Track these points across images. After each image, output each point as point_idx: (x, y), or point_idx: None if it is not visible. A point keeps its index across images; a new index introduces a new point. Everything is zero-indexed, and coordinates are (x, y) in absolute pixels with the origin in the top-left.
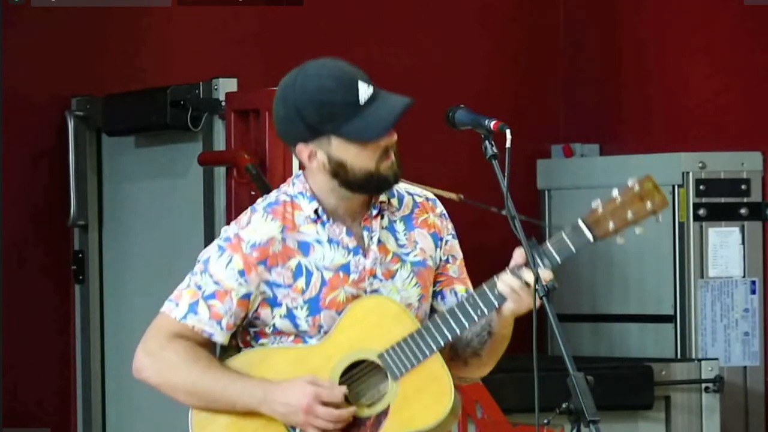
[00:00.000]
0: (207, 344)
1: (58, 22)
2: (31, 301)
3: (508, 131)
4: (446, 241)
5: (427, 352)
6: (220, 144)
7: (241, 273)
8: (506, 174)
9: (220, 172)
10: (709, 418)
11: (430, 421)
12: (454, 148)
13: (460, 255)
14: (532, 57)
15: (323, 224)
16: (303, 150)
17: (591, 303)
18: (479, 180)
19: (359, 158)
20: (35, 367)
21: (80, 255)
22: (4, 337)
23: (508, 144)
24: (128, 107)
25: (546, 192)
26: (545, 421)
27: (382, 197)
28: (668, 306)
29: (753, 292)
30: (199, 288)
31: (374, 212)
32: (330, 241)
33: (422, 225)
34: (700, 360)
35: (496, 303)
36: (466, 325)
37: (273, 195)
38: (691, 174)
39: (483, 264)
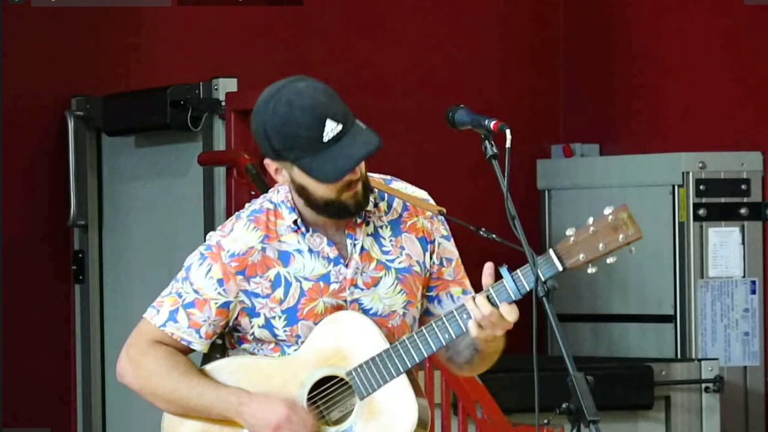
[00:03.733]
0: (187, 350)
1: (58, 22)
2: (31, 301)
3: (508, 131)
4: (438, 244)
5: (394, 374)
6: (220, 144)
7: (220, 282)
8: (506, 174)
9: (220, 172)
10: (709, 418)
11: None
12: (453, 148)
13: (455, 256)
14: (532, 57)
15: (303, 234)
16: (270, 164)
17: (591, 303)
18: (481, 179)
19: (320, 188)
20: (35, 367)
21: (80, 255)
22: (4, 337)
23: (508, 144)
24: (128, 107)
25: (546, 192)
26: (545, 421)
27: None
28: (668, 306)
29: (753, 292)
30: (180, 296)
31: (359, 220)
32: (310, 251)
33: (410, 229)
34: (700, 360)
35: (463, 328)
36: (434, 348)
37: (259, 201)
38: (691, 174)
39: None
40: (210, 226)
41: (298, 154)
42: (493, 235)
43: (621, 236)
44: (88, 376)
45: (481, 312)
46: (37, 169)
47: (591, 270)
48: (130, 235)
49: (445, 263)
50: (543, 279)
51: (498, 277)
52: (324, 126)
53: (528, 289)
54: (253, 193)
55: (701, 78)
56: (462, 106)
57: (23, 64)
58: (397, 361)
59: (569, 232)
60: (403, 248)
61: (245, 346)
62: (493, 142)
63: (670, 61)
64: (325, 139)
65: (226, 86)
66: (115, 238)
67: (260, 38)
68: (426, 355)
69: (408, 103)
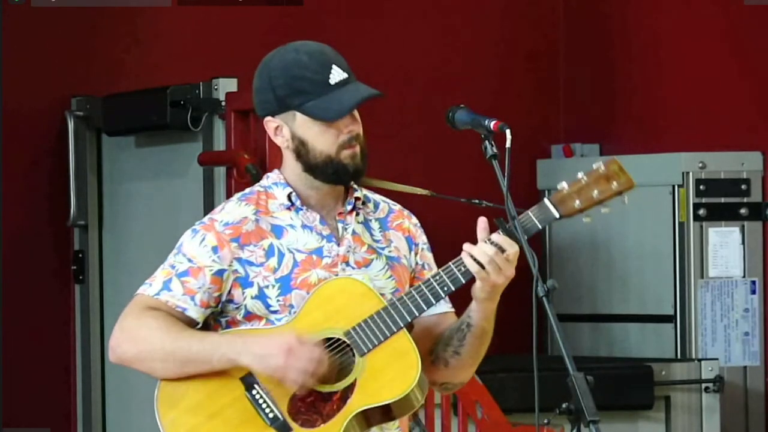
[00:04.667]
0: (183, 319)
1: (58, 22)
2: (31, 301)
3: (508, 131)
4: (422, 248)
5: (394, 328)
6: (220, 144)
7: (214, 249)
8: (506, 174)
9: (220, 172)
10: (709, 418)
11: (396, 394)
12: (453, 147)
13: (435, 267)
14: (532, 57)
15: (297, 211)
16: (270, 122)
17: (591, 303)
18: (484, 179)
19: (320, 139)
20: (35, 367)
21: (80, 255)
22: (4, 337)
23: (508, 144)
24: (128, 107)
25: (546, 192)
26: (545, 421)
27: (357, 193)
28: (668, 306)
29: (753, 292)
30: (173, 267)
31: (349, 207)
32: (304, 226)
33: (397, 228)
34: (700, 360)
35: (462, 279)
36: (434, 301)
37: (248, 188)
38: (691, 174)
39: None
40: None
41: (303, 98)
42: (485, 202)
43: (614, 184)
44: (88, 377)
45: (485, 253)
46: (37, 169)
47: (586, 219)
48: (130, 235)
49: (427, 267)
50: (540, 226)
51: (493, 230)
52: (330, 70)
53: (525, 236)
54: None
55: (701, 78)
56: (462, 106)
57: (23, 64)
58: (396, 316)
59: (560, 185)
60: (391, 241)
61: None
62: (493, 142)
63: (670, 61)
64: (331, 82)
65: (226, 86)
66: (115, 238)
67: (260, 38)
68: (426, 308)
69: (408, 103)
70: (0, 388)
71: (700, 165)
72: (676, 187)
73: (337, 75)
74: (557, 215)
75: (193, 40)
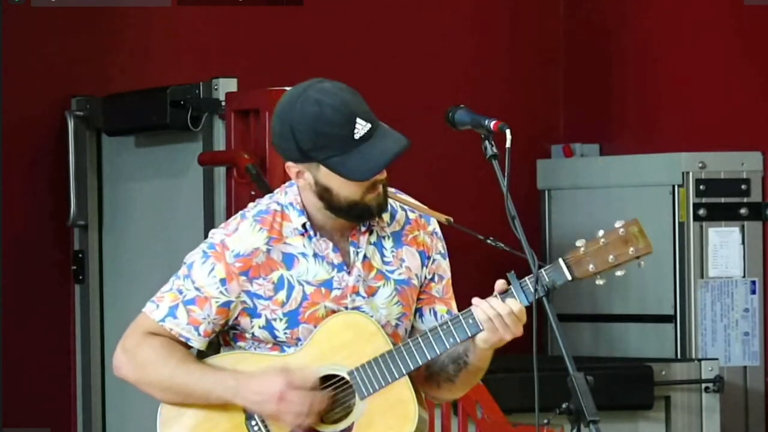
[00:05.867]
0: (184, 344)
1: (58, 22)
2: (31, 301)
3: (508, 131)
4: (433, 260)
5: (396, 375)
6: (220, 144)
7: (222, 282)
8: (506, 174)
9: (220, 172)
10: (709, 418)
11: None
12: (453, 148)
13: (447, 275)
14: (532, 57)
15: (310, 238)
16: (292, 167)
17: (591, 303)
18: (482, 179)
19: (345, 188)
20: (35, 367)
21: (80, 255)
22: (4, 337)
23: (508, 144)
24: (128, 107)
25: (546, 192)
26: (545, 421)
27: None
28: (668, 306)
29: (753, 292)
30: (180, 292)
31: (363, 228)
32: (315, 255)
33: (411, 242)
34: (700, 360)
35: (469, 332)
36: (438, 351)
37: (265, 202)
38: (691, 174)
39: (471, 284)
40: (210, 225)
41: (328, 153)
42: (501, 244)
43: (631, 249)
44: (88, 376)
45: (495, 309)
46: (37, 169)
47: (599, 281)
48: (130, 235)
49: (436, 279)
50: (549, 283)
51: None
52: (354, 124)
53: (535, 296)
54: (253, 193)
55: (701, 78)
56: (462, 106)
57: (23, 64)
58: (399, 362)
59: (579, 243)
60: (403, 260)
61: (241, 344)
62: (493, 142)
63: (670, 61)
64: (357, 136)
65: (226, 86)
66: (115, 238)
67: (260, 38)
68: (429, 358)
69: (408, 103)
70: (0, 388)
71: (700, 165)
72: (676, 187)
73: (361, 128)
74: (569, 277)
75: (193, 40)
